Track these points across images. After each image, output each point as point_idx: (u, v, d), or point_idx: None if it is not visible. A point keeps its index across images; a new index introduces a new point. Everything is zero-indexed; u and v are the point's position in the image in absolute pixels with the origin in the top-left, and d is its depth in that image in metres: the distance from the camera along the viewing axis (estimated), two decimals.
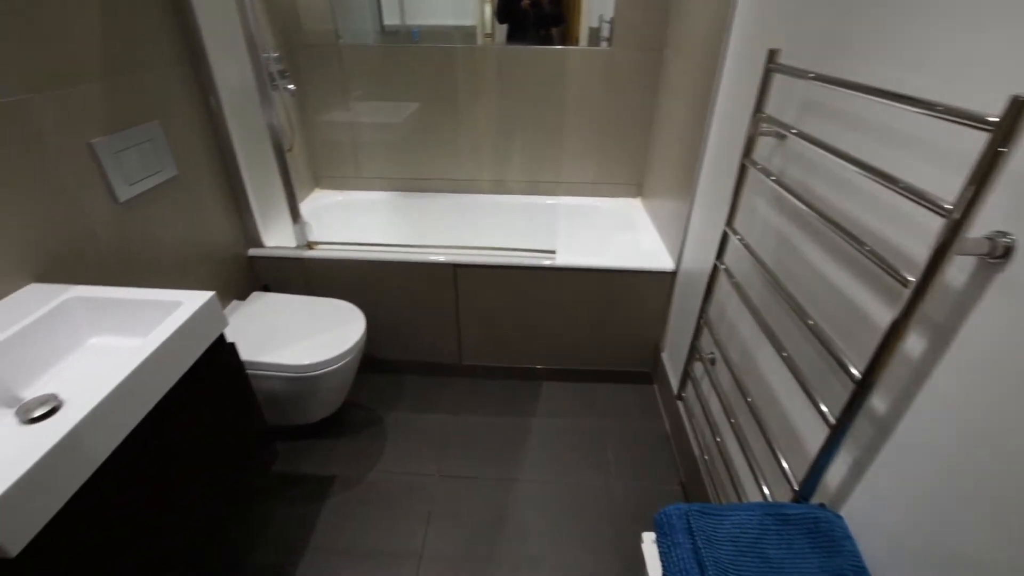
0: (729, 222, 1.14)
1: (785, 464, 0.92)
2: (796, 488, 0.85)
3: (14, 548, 0.64)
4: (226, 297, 1.66)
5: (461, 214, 2.25)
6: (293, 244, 1.77)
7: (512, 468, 1.64)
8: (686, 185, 1.57)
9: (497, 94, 2.06)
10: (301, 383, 1.42)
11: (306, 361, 1.39)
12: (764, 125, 1.00)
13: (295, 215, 1.73)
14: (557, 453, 1.70)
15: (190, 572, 1.01)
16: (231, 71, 1.57)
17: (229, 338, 1.09)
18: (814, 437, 0.89)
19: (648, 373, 1.98)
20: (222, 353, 1.06)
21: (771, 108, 1.02)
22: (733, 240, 1.14)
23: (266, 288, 1.83)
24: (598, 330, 1.86)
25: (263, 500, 1.53)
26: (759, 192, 1.11)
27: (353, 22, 2.07)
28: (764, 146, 1.08)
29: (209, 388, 1.03)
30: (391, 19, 2.10)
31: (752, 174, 1.09)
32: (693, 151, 1.52)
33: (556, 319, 1.84)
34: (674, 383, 1.70)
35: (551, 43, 2.02)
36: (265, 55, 1.54)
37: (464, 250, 1.76)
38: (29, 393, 0.90)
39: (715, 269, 1.22)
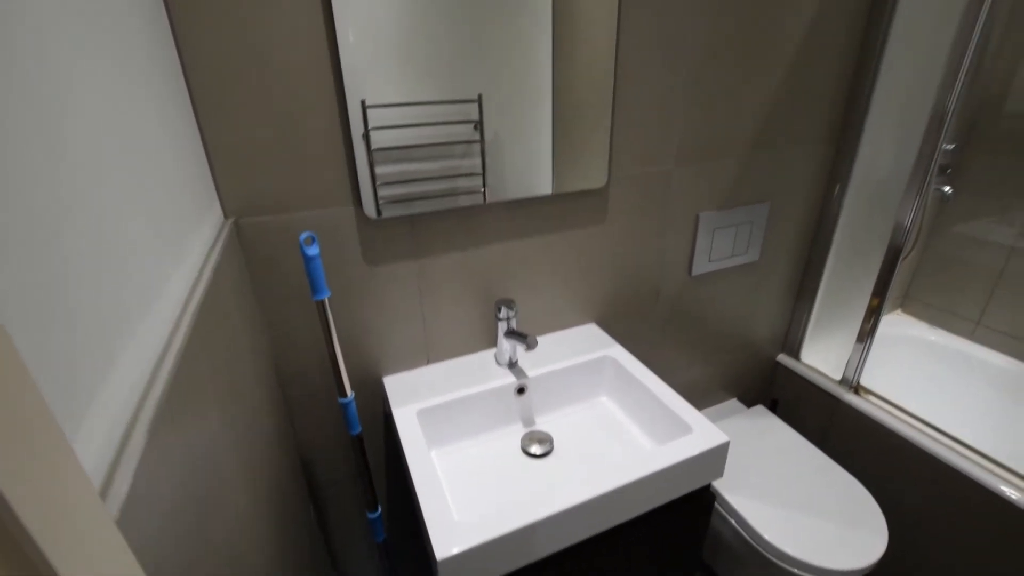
0: None
1: None
2: None
3: None
4: (731, 391, 1.47)
5: None
6: (836, 376, 1.37)
7: None
8: None
9: None
10: (758, 558, 1.08)
11: (786, 548, 1.02)
12: None
13: (865, 335, 1.30)
14: None
15: None
16: (881, 159, 1.25)
17: None
18: None
19: None
20: (700, 498, 0.85)
21: None
22: None
23: (774, 405, 1.52)
24: None
25: None
26: None
27: None
28: None
29: (666, 520, 0.85)
30: None
31: None
32: None
33: None
34: None
35: None
36: (946, 146, 1.14)
37: None
38: (539, 421, 0.97)
39: None
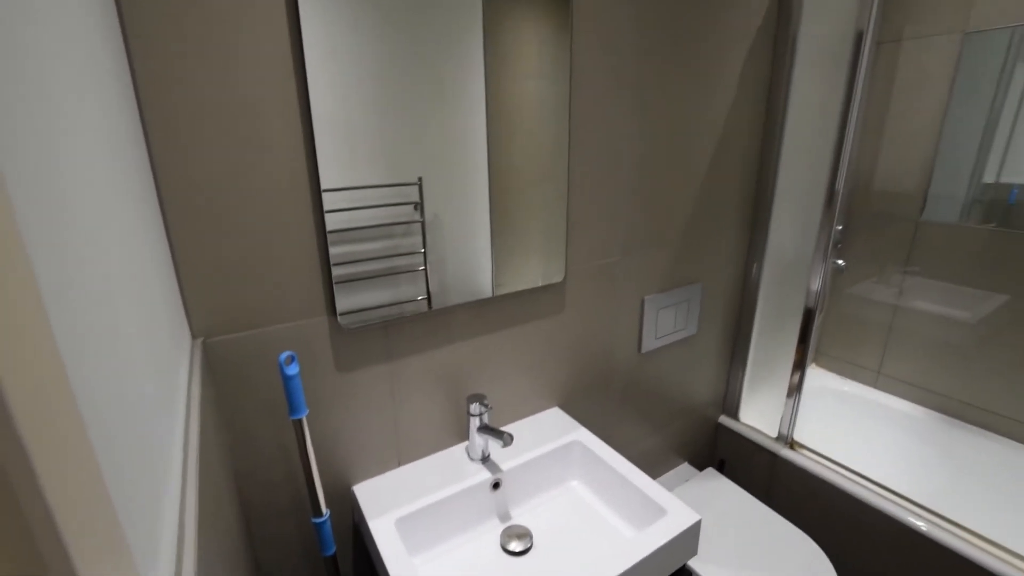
0: None
1: None
2: None
3: None
4: (682, 455, 1.55)
5: None
6: (772, 432, 1.49)
7: None
8: None
9: None
10: None
11: None
12: None
13: (793, 389, 1.44)
14: None
15: None
16: (786, 240, 1.45)
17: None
18: None
19: None
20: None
21: None
22: None
23: (721, 465, 1.62)
24: None
25: None
26: None
27: (944, 185, 1.61)
28: None
29: None
30: (991, 176, 1.53)
31: None
32: None
33: None
34: None
35: None
36: (838, 227, 1.34)
37: None
38: (515, 514, 0.97)
39: None
